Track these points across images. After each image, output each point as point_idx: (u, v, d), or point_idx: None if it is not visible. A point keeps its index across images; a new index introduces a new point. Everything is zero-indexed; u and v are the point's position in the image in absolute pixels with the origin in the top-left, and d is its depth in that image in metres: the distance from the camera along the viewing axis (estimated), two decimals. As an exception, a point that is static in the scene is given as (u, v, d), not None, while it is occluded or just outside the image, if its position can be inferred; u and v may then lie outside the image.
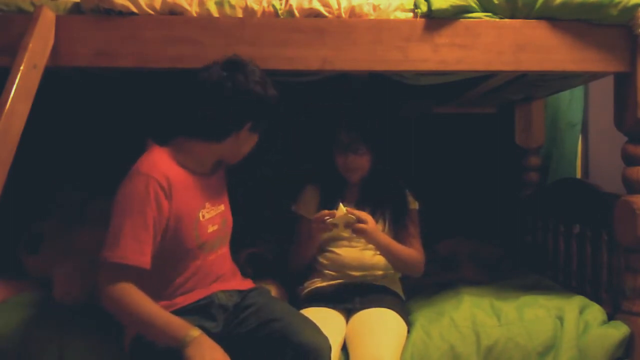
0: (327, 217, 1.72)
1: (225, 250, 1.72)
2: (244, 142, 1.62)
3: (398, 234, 1.95)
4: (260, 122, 1.60)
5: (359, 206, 1.92)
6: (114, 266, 1.42)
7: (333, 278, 1.92)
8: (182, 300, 1.57)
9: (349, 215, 1.73)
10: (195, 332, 1.40)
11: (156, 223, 1.46)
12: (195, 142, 1.58)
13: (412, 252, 1.92)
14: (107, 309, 1.45)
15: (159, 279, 1.54)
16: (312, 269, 1.99)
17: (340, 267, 1.92)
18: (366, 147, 1.91)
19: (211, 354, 1.37)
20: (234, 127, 1.56)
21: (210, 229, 1.61)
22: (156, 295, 1.50)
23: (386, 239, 1.85)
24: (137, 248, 1.43)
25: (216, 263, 1.65)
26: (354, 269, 1.91)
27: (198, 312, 1.56)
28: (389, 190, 1.97)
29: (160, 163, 1.51)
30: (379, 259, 1.92)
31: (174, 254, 1.54)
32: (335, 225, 1.74)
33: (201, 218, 1.58)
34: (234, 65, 1.54)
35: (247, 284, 1.74)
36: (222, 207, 1.69)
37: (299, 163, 2.25)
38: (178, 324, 1.42)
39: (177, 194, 1.51)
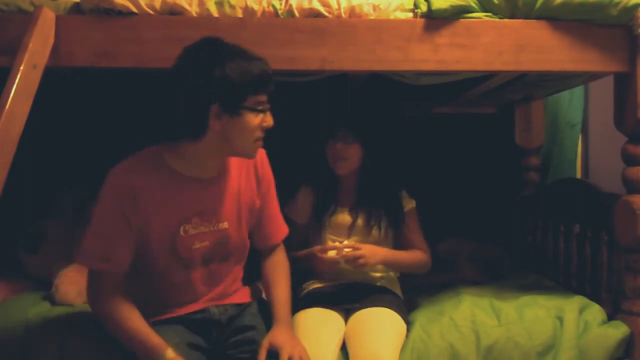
0: (326, 256, 1.74)
1: (222, 267, 1.57)
2: (231, 131, 1.39)
3: (397, 235, 1.94)
4: (230, 102, 1.36)
5: (354, 210, 1.92)
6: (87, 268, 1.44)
7: (331, 279, 1.92)
8: (173, 312, 1.52)
9: (344, 250, 1.74)
10: (169, 355, 1.34)
11: (122, 230, 1.39)
12: (182, 142, 1.43)
13: (416, 254, 1.92)
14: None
15: (143, 290, 1.49)
16: (310, 271, 1.97)
17: (339, 271, 1.89)
18: (355, 136, 1.88)
19: None
20: (197, 116, 1.36)
21: (198, 244, 1.48)
22: (144, 305, 1.46)
23: (389, 255, 1.84)
24: (98, 253, 1.39)
25: (209, 280, 1.55)
26: (352, 272, 1.89)
27: (191, 325, 1.51)
28: (383, 192, 1.94)
29: (130, 170, 1.41)
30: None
31: (149, 265, 1.47)
32: (337, 261, 1.76)
33: (182, 233, 1.46)
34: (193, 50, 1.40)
35: (245, 296, 1.66)
36: (223, 225, 1.52)
37: (293, 163, 2.23)
38: (153, 344, 1.36)
39: (147, 204, 1.40)
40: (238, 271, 1.65)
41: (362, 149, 1.90)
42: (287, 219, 1.91)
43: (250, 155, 1.48)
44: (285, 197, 1.99)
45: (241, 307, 1.59)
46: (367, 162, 1.92)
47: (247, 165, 1.57)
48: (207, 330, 1.53)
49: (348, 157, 1.90)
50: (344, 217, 1.94)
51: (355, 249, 1.75)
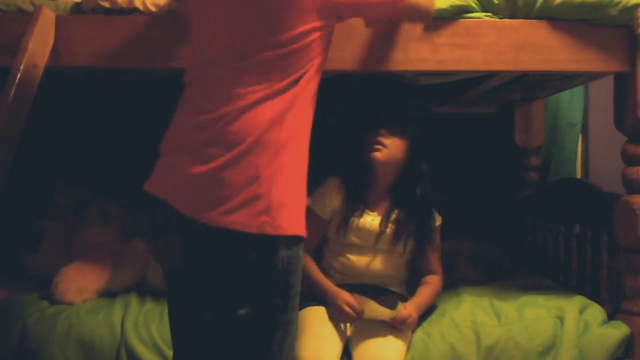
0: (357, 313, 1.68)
1: None
2: None
3: (419, 249, 1.87)
4: None
5: (386, 218, 1.84)
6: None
7: (341, 280, 1.86)
8: None
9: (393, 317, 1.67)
10: None
11: None
12: None
13: (435, 286, 1.86)
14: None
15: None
16: (320, 266, 1.89)
17: (352, 274, 1.86)
18: (404, 132, 1.81)
19: None
20: None
21: None
22: None
23: (422, 307, 1.78)
24: None
25: None
26: (364, 277, 1.86)
27: None
28: (418, 205, 1.84)
29: None
30: (390, 267, 1.87)
31: None
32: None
33: None
34: None
35: None
36: None
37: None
38: None
39: None
40: None
41: (407, 146, 1.82)
42: (309, 212, 1.86)
43: None
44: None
45: None
46: (407, 166, 1.83)
47: None
48: None
49: (388, 146, 1.79)
50: (373, 223, 1.83)
51: (402, 318, 1.67)
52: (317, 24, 1.26)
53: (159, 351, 1.70)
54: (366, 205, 1.85)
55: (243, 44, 1.25)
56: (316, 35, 1.26)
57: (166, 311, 1.76)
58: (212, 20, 1.31)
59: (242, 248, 1.22)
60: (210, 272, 1.26)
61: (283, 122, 1.23)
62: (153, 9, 1.66)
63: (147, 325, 1.75)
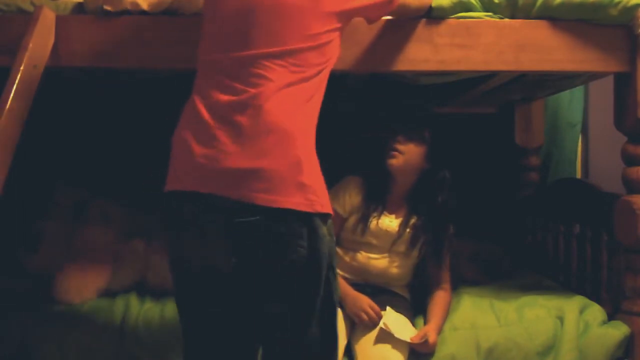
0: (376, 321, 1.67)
1: None
2: None
3: (433, 257, 1.87)
4: None
5: (405, 221, 1.85)
6: None
7: (354, 276, 1.86)
8: None
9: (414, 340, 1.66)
10: None
11: None
12: None
13: (446, 301, 1.83)
14: None
15: None
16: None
17: (362, 273, 1.87)
18: (421, 138, 1.83)
19: None
20: None
21: None
22: None
23: (444, 321, 1.77)
24: None
25: None
26: (373, 277, 1.87)
27: None
28: (437, 213, 1.86)
29: None
30: (400, 270, 1.88)
31: None
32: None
33: None
34: None
35: None
36: None
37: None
38: None
39: None
40: None
41: (424, 153, 1.84)
42: None
43: None
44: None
45: None
46: (425, 173, 1.84)
47: None
48: None
49: (404, 152, 1.82)
50: (391, 225, 1.85)
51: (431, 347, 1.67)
52: (337, 25, 1.35)
53: (159, 351, 1.70)
54: (384, 207, 1.87)
55: (270, 34, 1.29)
56: (335, 35, 1.35)
57: (166, 311, 1.78)
58: (241, 7, 1.32)
59: (291, 230, 1.21)
60: (258, 263, 1.24)
61: (305, 110, 1.29)
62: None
63: (147, 325, 1.75)
